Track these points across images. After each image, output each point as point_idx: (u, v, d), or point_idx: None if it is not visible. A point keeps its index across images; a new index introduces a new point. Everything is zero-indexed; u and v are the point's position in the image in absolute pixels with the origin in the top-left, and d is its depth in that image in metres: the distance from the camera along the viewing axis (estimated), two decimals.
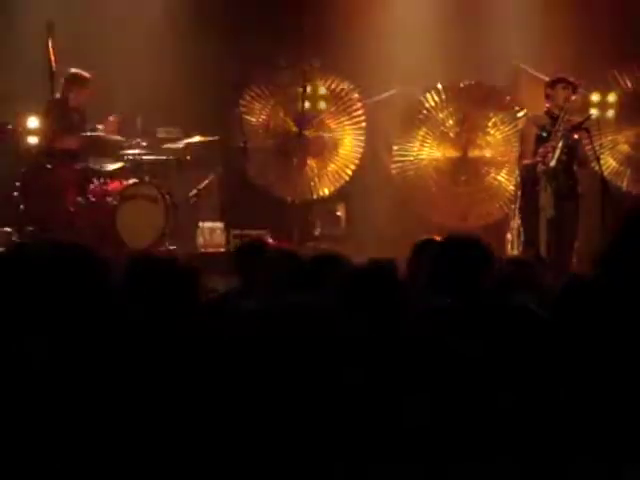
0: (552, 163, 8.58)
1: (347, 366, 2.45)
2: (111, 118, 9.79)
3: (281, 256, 4.60)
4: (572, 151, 8.70)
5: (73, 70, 9.69)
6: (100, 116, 9.84)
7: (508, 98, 11.02)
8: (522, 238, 8.82)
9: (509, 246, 9.05)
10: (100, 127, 9.79)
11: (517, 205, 9.03)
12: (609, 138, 10.84)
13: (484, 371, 2.55)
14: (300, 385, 2.38)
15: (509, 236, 9.13)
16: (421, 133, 11.16)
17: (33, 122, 9.65)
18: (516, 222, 8.95)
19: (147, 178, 9.91)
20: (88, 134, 9.73)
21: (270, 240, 9.56)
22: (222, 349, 2.56)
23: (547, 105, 8.79)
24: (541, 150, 8.62)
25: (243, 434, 2.37)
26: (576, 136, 8.74)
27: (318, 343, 2.43)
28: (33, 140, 9.89)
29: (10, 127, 9.52)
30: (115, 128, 9.84)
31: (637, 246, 2.88)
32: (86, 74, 9.67)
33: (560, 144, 8.62)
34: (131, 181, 9.82)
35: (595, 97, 10.85)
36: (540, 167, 8.59)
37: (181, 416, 2.38)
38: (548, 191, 8.59)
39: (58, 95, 9.50)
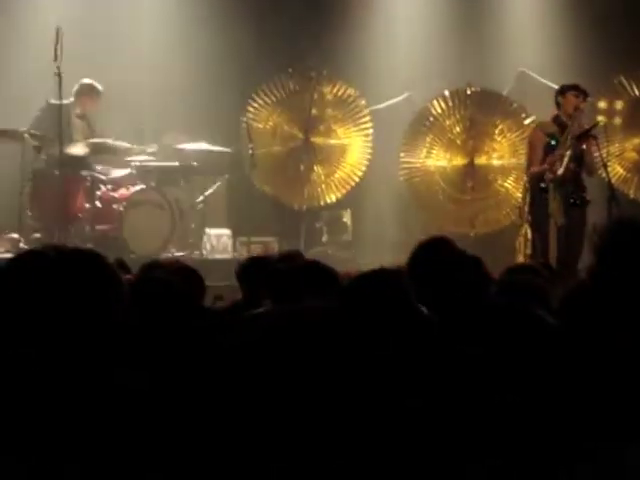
0: (560, 171, 8.56)
1: (354, 372, 2.45)
2: None
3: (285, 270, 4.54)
4: (580, 159, 8.67)
5: (87, 81, 9.73)
6: (106, 122, 9.89)
7: (515, 105, 11.01)
8: (531, 246, 8.80)
9: (518, 254, 9.03)
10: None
11: (526, 213, 8.99)
12: (616, 145, 10.82)
13: (485, 375, 2.54)
14: (306, 393, 2.38)
15: (518, 244, 9.11)
16: (428, 140, 11.16)
17: (40, 129, 9.62)
18: (525, 230, 8.93)
19: (154, 185, 9.92)
20: (95, 141, 9.75)
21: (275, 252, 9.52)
22: (227, 358, 2.56)
23: (556, 112, 8.76)
24: (549, 158, 8.60)
25: (247, 443, 2.36)
26: (583, 145, 8.71)
27: (324, 350, 2.42)
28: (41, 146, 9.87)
29: (18, 133, 9.51)
30: None
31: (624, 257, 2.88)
32: (99, 86, 9.73)
33: (568, 152, 8.59)
34: (138, 188, 9.83)
35: (602, 104, 10.82)
36: (548, 175, 8.57)
37: (185, 426, 2.38)
38: (557, 199, 8.57)
39: (65, 101, 9.52)
